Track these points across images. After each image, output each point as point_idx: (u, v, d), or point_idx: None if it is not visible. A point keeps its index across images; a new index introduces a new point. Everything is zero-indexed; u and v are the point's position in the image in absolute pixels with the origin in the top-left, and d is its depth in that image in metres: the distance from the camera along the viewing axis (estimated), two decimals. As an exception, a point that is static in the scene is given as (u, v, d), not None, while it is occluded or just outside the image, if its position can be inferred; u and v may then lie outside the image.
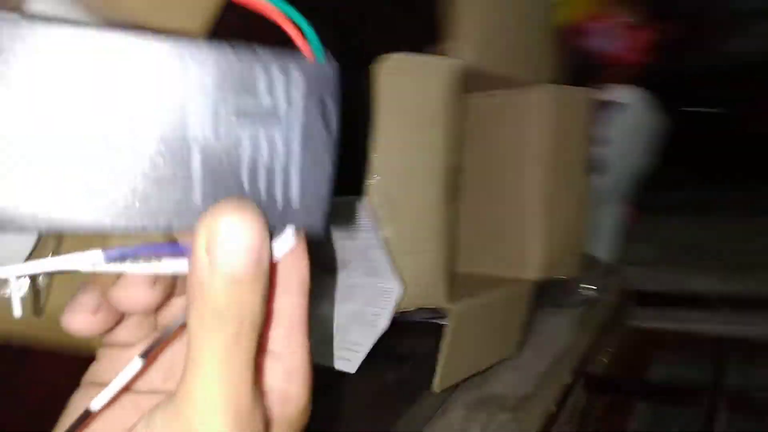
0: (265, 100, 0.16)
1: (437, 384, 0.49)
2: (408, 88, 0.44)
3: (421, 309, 0.46)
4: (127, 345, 0.21)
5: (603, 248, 0.83)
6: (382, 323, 0.38)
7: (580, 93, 0.60)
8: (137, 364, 0.17)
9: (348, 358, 0.37)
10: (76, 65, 0.14)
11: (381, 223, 0.42)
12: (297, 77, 0.16)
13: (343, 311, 0.42)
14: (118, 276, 0.18)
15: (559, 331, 0.78)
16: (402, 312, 0.43)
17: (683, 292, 0.88)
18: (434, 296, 0.46)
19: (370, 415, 0.37)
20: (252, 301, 0.16)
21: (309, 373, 0.20)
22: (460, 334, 0.48)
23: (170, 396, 0.17)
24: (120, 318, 0.20)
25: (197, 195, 0.16)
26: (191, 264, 0.16)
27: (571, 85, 0.72)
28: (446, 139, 0.46)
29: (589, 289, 0.83)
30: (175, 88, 0.15)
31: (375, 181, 0.42)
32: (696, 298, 0.86)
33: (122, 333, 0.21)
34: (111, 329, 0.20)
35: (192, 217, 0.16)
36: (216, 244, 0.15)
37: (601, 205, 0.78)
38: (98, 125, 0.15)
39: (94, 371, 0.21)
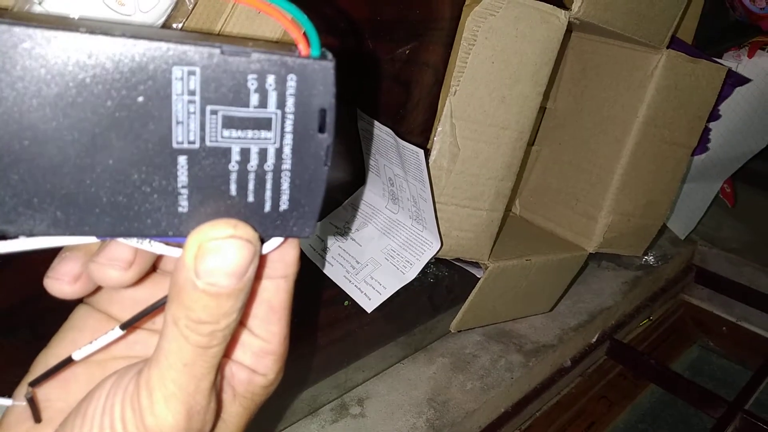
0: (256, 109, 0.16)
1: (454, 325, 0.51)
2: (509, 30, 0.40)
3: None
4: (104, 312, 0.22)
5: (682, 223, 0.78)
6: (411, 273, 0.40)
7: (705, 69, 0.53)
8: (117, 333, 0.19)
9: (369, 296, 0.40)
10: (58, 68, 0.14)
11: (448, 172, 0.42)
12: (291, 84, 0.16)
13: (381, 244, 0.43)
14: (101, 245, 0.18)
15: (605, 290, 0.77)
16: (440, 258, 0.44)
17: (749, 287, 0.83)
18: (477, 253, 0.47)
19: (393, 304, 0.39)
20: (228, 312, 0.16)
21: (281, 355, 0.20)
22: (491, 289, 0.50)
23: (136, 373, 0.17)
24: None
25: (183, 202, 0.16)
26: (177, 264, 0.16)
27: (706, 46, 0.63)
28: (536, 80, 0.43)
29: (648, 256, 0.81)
30: (159, 93, 0.15)
31: (453, 122, 0.41)
32: (762, 297, 0.81)
33: (102, 299, 0.21)
34: (93, 293, 0.20)
35: (177, 224, 0.16)
36: (203, 259, 0.15)
37: (695, 181, 0.72)
38: (78, 129, 0.14)
39: (72, 337, 0.21)
